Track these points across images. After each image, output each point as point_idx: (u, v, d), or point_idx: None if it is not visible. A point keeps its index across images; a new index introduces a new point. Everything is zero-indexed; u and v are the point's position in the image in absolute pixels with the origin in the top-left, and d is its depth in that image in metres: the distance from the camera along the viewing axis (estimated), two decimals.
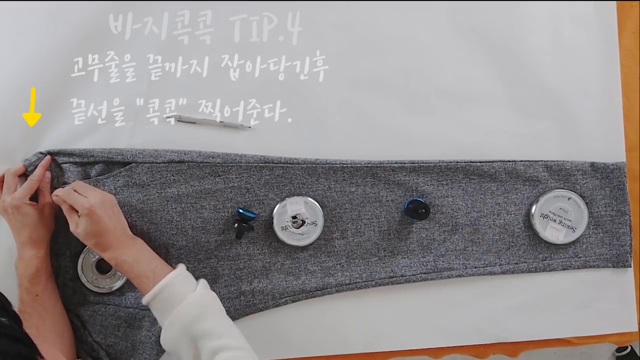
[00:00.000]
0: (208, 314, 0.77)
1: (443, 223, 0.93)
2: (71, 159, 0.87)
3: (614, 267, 0.95)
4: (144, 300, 0.79)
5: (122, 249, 0.79)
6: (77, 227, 0.79)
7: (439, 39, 0.93)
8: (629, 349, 1.71)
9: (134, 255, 0.80)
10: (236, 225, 0.87)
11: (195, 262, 0.90)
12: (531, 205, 0.93)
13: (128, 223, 0.86)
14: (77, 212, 0.80)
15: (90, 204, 0.78)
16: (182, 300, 0.77)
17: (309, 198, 0.90)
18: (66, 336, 0.86)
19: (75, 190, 0.81)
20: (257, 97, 0.91)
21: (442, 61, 0.93)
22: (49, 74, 0.88)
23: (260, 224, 0.90)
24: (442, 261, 0.93)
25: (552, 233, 0.93)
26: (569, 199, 0.93)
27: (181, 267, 0.82)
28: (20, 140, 0.87)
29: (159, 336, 0.85)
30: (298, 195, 0.90)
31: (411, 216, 0.89)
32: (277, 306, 0.91)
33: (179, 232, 0.89)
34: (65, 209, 0.81)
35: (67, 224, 0.87)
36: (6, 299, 0.56)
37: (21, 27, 0.87)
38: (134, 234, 0.87)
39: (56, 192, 0.81)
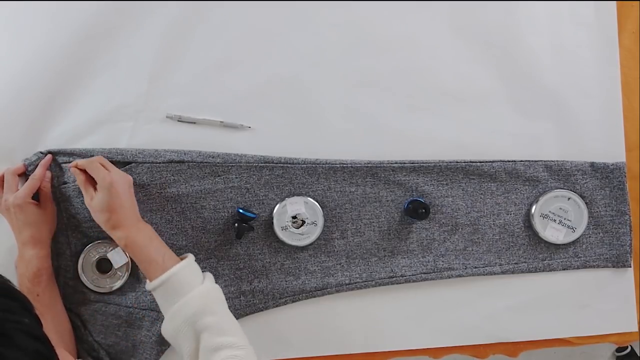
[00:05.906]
0: (213, 308, 0.77)
1: (443, 223, 0.93)
2: (71, 159, 0.87)
3: (614, 267, 0.95)
4: (149, 287, 0.78)
5: (133, 230, 0.78)
6: (92, 199, 0.78)
7: (439, 39, 0.93)
8: (629, 349, 1.71)
9: (144, 240, 0.79)
10: (236, 225, 0.87)
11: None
12: (531, 205, 0.93)
13: None
14: (93, 185, 0.79)
15: (112, 177, 0.78)
16: (189, 291, 0.76)
17: (309, 198, 0.90)
18: (67, 336, 0.86)
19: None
20: (257, 97, 0.91)
21: (442, 61, 0.93)
22: (49, 74, 0.88)
23: (260, 224, 0.90)
24: (442, 261, 0.93)
25: (552, 233, 0.93)
26: (569, 199, 0.93)
27: (190, 258, 0.81)
28: (20, 140, 0.87)
29: (159, 336, 0.86)
30: (298, 195, 0.90)
31: (411, 216, 0.89)
32: (277, 306, 0.91)
33: (179, 232, 0.89)
34: (80, 180, 0.80)
35: (68, 223, 0.88)
36: (29, 301, 0.55)
37: (21, 27, 0.87)
38: None
39: (76, 162, 0.80)
